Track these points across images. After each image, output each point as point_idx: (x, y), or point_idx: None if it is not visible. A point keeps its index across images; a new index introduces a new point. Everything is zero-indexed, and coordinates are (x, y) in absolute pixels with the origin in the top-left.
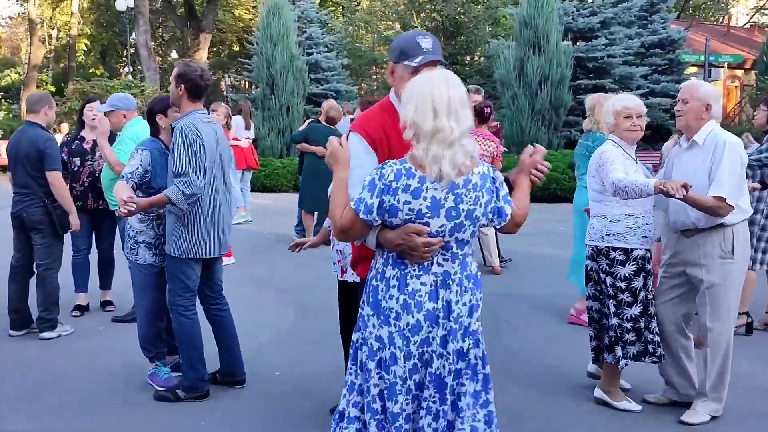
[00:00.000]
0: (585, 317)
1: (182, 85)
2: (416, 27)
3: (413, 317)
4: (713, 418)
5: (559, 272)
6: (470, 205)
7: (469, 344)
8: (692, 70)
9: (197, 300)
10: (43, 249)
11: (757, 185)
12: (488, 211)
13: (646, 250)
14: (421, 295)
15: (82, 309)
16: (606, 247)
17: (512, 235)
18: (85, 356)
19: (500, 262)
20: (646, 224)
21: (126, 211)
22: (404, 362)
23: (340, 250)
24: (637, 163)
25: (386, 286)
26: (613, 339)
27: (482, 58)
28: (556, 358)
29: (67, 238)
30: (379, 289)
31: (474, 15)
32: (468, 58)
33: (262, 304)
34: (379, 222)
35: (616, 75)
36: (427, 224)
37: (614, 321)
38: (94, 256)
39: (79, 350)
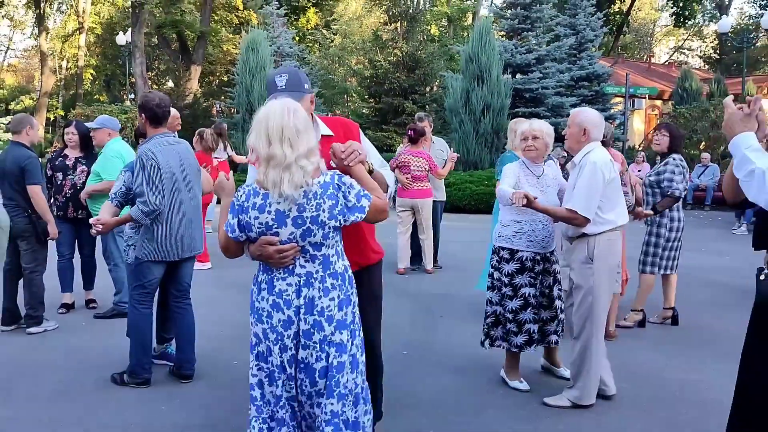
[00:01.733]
0: None
1: (143, 114)
2: (380, 62)
3: (284, 314)
4: (583, 406)
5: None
6: (313, 211)
7: (348, 336)
8: (618, 100)
9: (163, 297)
10: (28, 254)
11: (650, 212)
12: (336, 214)
13: (534, 252)
14: (289, 294)
15: (68, 307)
16: (497, 246)
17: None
18: (65, 349)
19: (433, 265)
20: (533, 230)
21: (95, 231)
22: (281, 353)
23: None
24: (538, 178)
25: (258, 289)
26: (492, 323)
27: (438, 89)
28: (485, 352)
29: (53, 244)
30: (253, 293)
31: (431, 51)
32: (426, 88)
33: (225, 302)
34: (244, 237)
35: (549, 104)
36: (276, 234)
37: (498, 309)
38: (77, 260)
39: (61, 344)
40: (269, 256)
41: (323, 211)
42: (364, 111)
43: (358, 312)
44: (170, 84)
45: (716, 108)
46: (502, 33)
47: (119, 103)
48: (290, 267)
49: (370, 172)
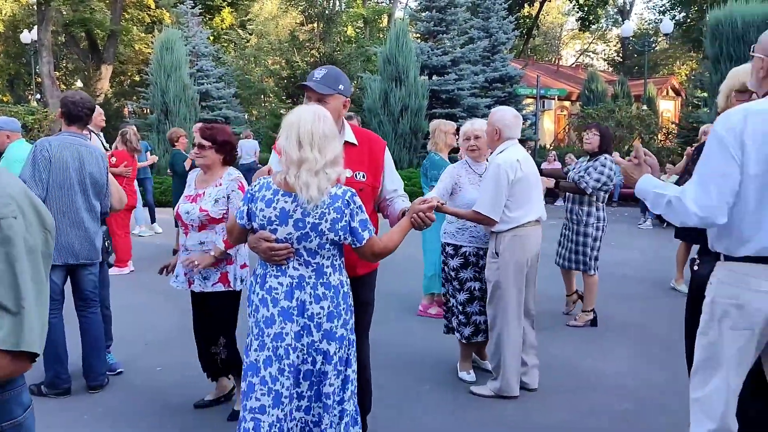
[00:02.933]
0: (432, 311)
1: (60, 110)
2: (298, 62)
3: (268, 311)
4: (507, 396)
5: (421, 274)
6: (316, 219)
7: (336, 348)
8: (530, 101)
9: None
10: None
11: (551, 184)
12: (338, 229)
13: (476, 248)
14: (278, 293)
15: None
16: (444, 242)
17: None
18: None
19: None
20: (475, 227)
21: None
22: (258, 351)
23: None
24: (481, 176)
25: (253, 282)
26: (450, 315)
27: (356, 90)
28: (412, 347)
29: None
30: (251, 284)
31: (348, 53)
32: None
33: (152, 308)
34: (249, 226)
35: (465, 105)
36: (275, 231)
37: (453, 301)
38: None
39: None
40: (263, 251)
41: (325, 221)
42: (281, 111)
43: (350, 331)
44: (79, 84)
45: (621, 109)
46: (418, 35)
47: (25, 103)
48: (284, 267)
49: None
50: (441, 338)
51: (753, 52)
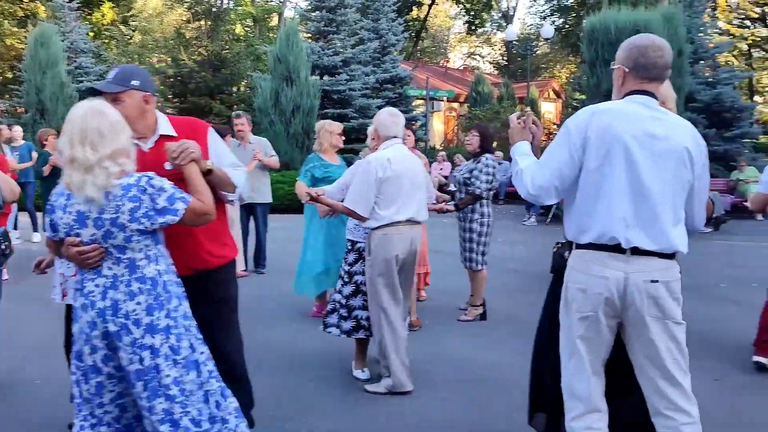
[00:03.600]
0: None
1: None
2: (184, 61)
3: (89, 315)
4: (401, 393)
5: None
6: (113, 213)
7: (162, 339)
8: (420, 102)
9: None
10: None
11: (451, 208)
12: (139, 217)
13: None
14: (94, 296)
15: None
16: (346, 239)
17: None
18: None
19: (244, 269)
20: None
21: None
22: (91, 354)
23: (62, 273)
24: None
25: (74, 290)
26: (330, 309)
27: (246, 89)
28: (302, 348)
29: None
30: (75, 292)
31: (237, 51)
32: (233, 88)
33: (29, 317)
34: (58, 237)
35: (357, 105)
36: (78, 235)
37: (337, 296)
38: None
39: None
40: (73, 257)
41: (122, 213)
42: (168, 111)
43: (182, 317)
44: None
45: (506, 110)
46: (309, 35)
47: None
48: (99, 269)
49: (209, 171)
50: (336, 338)
51: (613, 64)
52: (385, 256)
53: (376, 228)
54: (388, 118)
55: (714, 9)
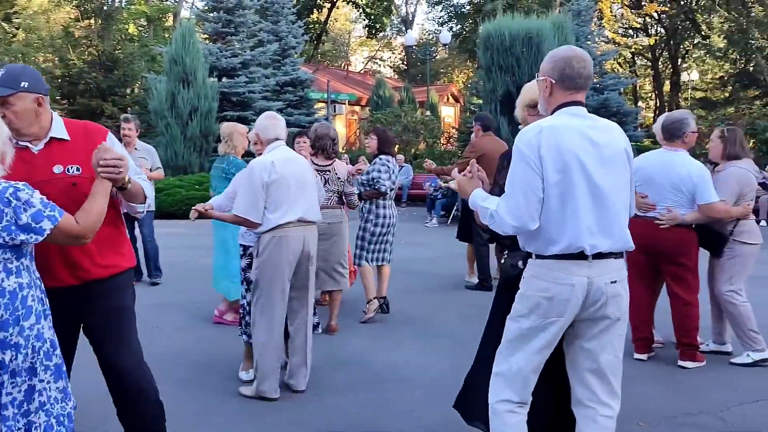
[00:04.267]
0: (228, 317)
1: None
2: (73, 61)
3: None
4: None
5: (210, 280)
6: None
7: (12, 356)
8: (321, 105)
9: None
10: None
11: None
12: None
13: None
14: None
15: None
16: (240, 243)
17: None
18: None
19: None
20: None
21: None
22: None
23: None
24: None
25: None
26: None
27: (141, 91)
28: (203, 360)
29: None
30: None
31: (130, 51)
32: (127, 90)
33: None
34: None
35: (257, 108)
36: None
37: (243, 302)
38: None
39: None
40: None
41: None
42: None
43: (35, 338)
44: None
45: (407, 114)
46: (206, 36)
47: None
48: None
49: (123, 187)
50: (238, 344)
51: (538, 76)
52: (274, 260)
53: (265, 232)
54: (267, 121)
55: (600, 19)
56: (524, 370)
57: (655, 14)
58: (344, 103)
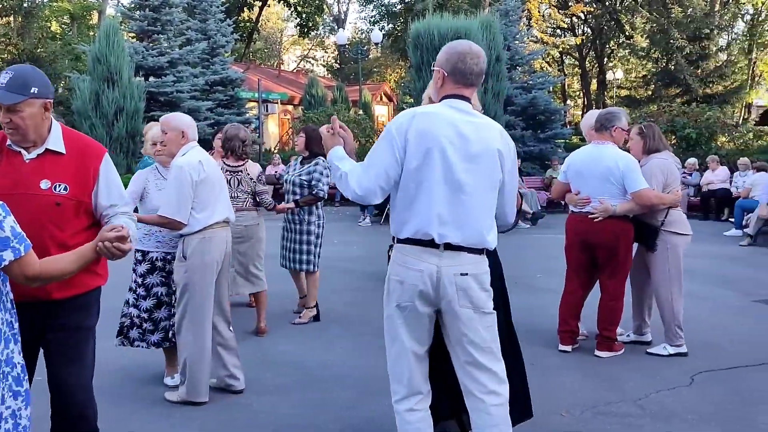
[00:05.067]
0: None
1: None
2: None
3: None
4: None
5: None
6: None
7: None
8: (253, 104)
9: None
10: None
11: (291, 205)
12: None
13: (164, 252)
14: None
15: None
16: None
17: None
18: None
19: None
20: (160, 231)
21: None
22: None
23: None
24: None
25: None
26: (128, 324)
27: (65, 91)
28: (123, 363)
29: None
30: None
31: (53, 50)
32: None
33: None
34: None
35: (185, 108)
36: None
37: (132, 310)
38: None
39: None
40: None
41: None
42: None
43: (4, 362)
44: None
45: (339, 113)
46: (132, 34)
47: None
48: None
49: None
50: (141, 351)
51: (434, 65)
52: (204, 261)
53: (193, 233)
54: (191, 122)
55: (529, 19)
56: (403, 361)
57: (581, 14)
58: (276, 102)
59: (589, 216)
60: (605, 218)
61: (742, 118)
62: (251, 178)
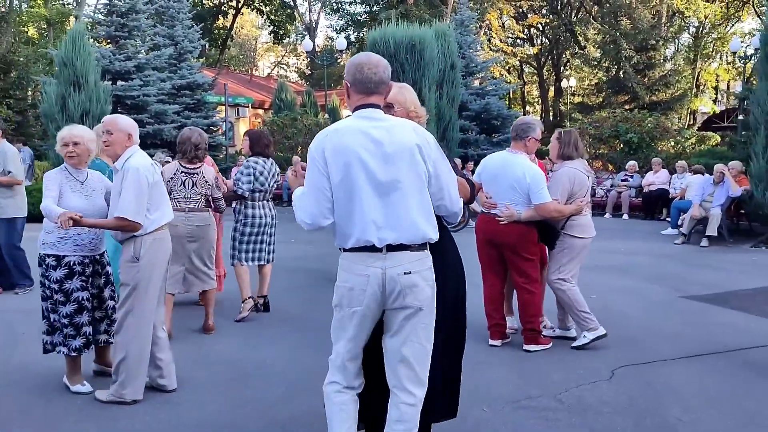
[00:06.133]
0: None
1: None
2: None
3: None
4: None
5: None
6: None
7: None
8: (222, 108)
9: None
10: None
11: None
12: None
13: (82, 256)
14: None
15: None
16: (43, 254)
17: None
18: None
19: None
20: (78, 234)
21: None
22: None
23: None
24: (82, 184)
25: None
26: (49, 330)
27: (38, 94)
28: (50, 360)
29: None
30: None
31: (26, 54)
32: (25, 93)
33: None
34: None
35: (152, 111)
36: None
37: (53, 316)
38: None
39: None
40: None
41: None
42: None
43: None
44: None
45: (303, 117)
46: (101, 39)
47: None
48: None
49: None
50: (46, 356)
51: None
52: (156, 261)
53: (146, 234)
54: (135, 125)
55: (489, 29)
56: (343, 358)
57: (540, 26)
58: (246, 106)
59: (496, 218)
60: (511, 222)
61: (687, 123)
62: (206, 181)
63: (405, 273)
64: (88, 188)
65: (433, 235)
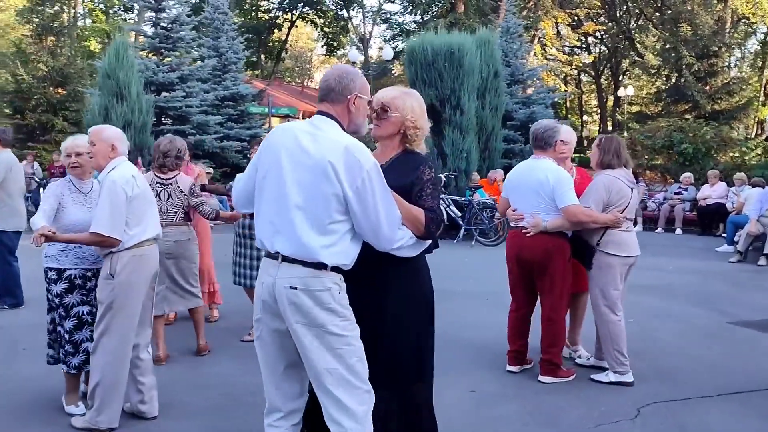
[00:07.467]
0: None
1: None
2: (22, 76)
3: None
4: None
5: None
6: None
7: None
8: (275, 119)
9: None
10: None
11: (237, 214)
12: None
13: (83, 270)
14: None
15: None
16: (45, 267)
17: None
18: None
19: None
20: (80, 247)
21: None
22: None
23: None
24: (86, 195)
25: None
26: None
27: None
28: (15, 385)
29: None
30: None
31: (81, 68)
32: (81, 105)
33: None
34: None
35: (195, 122)
36: None
37: (59, 329)
38: None
39: None
40: None
41: None
42: (6, 124)
43: None
44: None
45: None
46: (145, 51)
47: None
48: None
49: None
50: (48, 371)
51: None
52: (135, 279)
53: (124, 250)
54: (122, 135)
55: (542, 37)
56: (264, 371)
57: (598, 34)
58: (297, 117)
59: (522, 231)
60: (538, 234)
61: (754, 133)
62: (182, 191)
63: (290, 287)
64: (92, 200)
65: (326, 259)
